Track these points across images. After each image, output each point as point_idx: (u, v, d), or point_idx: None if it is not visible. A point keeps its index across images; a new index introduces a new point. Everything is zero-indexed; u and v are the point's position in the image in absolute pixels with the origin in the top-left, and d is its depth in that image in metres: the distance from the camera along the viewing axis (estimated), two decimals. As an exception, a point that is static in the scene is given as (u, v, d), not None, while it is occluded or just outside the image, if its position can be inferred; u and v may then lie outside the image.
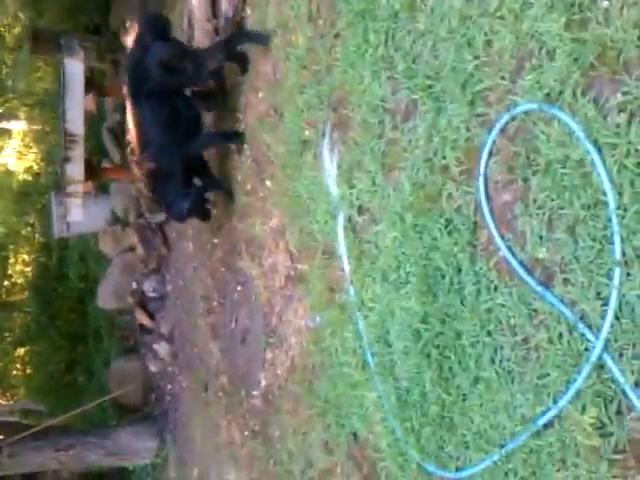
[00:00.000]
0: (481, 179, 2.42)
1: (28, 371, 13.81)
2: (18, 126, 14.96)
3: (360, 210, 3.19)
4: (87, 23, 9.74)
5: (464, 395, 2.52)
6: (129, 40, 4.67)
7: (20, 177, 15.36)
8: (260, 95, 4.41)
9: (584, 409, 2.04)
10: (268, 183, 4.31)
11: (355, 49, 3.14)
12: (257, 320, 4.55)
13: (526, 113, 2.24)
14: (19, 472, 7.93)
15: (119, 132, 8.48)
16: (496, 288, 2.37)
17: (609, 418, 1.97)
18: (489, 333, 2.39)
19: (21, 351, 13.92)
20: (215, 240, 5.57)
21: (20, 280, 14.87)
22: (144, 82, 4.46)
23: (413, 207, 2.76)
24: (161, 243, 7.55)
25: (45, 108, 12.89)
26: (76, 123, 6.00)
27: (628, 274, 1.92)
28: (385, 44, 2.94)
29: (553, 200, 2.13)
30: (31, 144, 15.19)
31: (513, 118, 2.28)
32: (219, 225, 5.40)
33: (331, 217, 3.43)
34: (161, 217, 7.47)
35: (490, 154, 2.39)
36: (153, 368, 7.88)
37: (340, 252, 3.35)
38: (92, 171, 6.64)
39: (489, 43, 2.38)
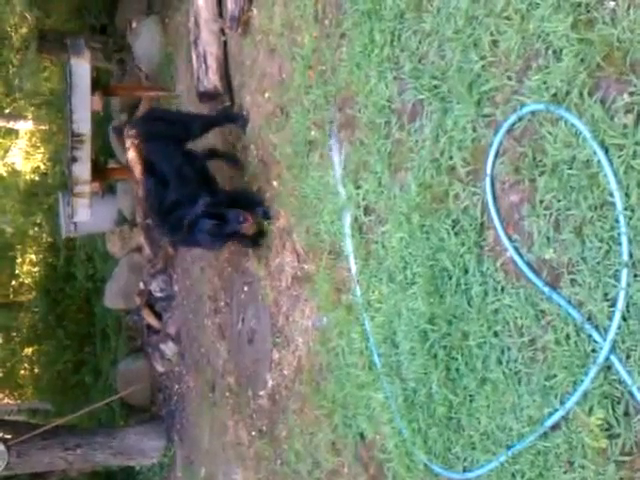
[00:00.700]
0: (488, 180, 2.41)
1: (36, 371, 13.86)
2: (25, 126, 15.01)
3: (366, 210, 3.19)
4: (93, 23, 9.78)
5: (471, 396, 2.52)
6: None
7: (27, 177, 15.42)
8: (266, 95, 4.41)
9: (591, 410, 2.03)
10: (275, 183, 4.31)
11: (361, 49, 3.13)
12: (264, 320, 4.56)
13: (533, 113, 2.23)
14: (27, 471, 7.96)
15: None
16: (503, 289, 2.36)
17: (616, 420, 1.97)
18: (496, 334, 2.39)
19: (29, 351, 13.97)
20: (222, 240, 5.57)
21: (28, 280, 14.93)
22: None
23: (420, 207, 2.76)
24: (168, 243, 7.55)
25: (52, 108, 12.93)
26: (83, 123, 6.01)
27: (635, 275, 1.91)
28: (391, 44, 2.93)
29: (560, 201, 2.13)
30: (38, 144, 15.25)
31: (520, 118, 2.28)
32: (226, 225, 5.40)
33: (338, 217, 3.43)
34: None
35: (497, 155, 2.38)
36: (160, 368, 7.89)
37: (347, 252, 3.35)
38: (99, 171, 6.65)
39: (495, 43, 2.37)
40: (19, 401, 14.28)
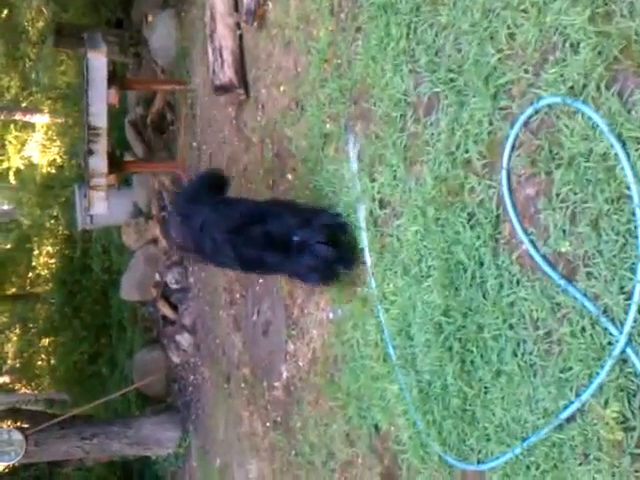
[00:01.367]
0: (504, 173, 2.41)
1: (52, 362, 14.01)
2: (42, 119, 15.13)
3: (382, 204, 3.20)
4: (109, 17, 9.84)
5: (486, 388, 2.53)
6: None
7: (44, 170, 15.56)
8: (282, 89, 4.42)
9: (607, 403, 2.04)
10: (290, 176, 4.32)
11: (377, 42, 3.14)
12: (279, 312, 4.59)
13: (549, 106, 2.23)
14: (44, 460, 8.09)
15: (142, 125, 8.55)
16: (518, 282, 2.37)
17: (632, 412, 1.97)
18: (511, 326, 2.39)
19: (45, 342, 14.14)
20: (237, 233, 5.59)
21: (44, 272, 15.09)
22: None
23: (435, 201, 2.77)
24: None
25: (68, 102, 13.03)
26: (99, 116, 6.05)
27: (652, 268, 1.91)
28: (407, 37, 2.93)
29: (576, 194, 2.13)
30: (54, 137, 15.37)
31: (536, 111, 2.28)
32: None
33: (353, 211, 3.45)
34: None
35: (513, 148, 2.38)
36: (176, 359, 7.96)
37: (362, 245, 3.37)
38: (115, 164, 6.70)
39: (512, 36, 2.37)
40: (36, 391, 14.46)
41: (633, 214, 1.95)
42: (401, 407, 3.05)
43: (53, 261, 14.52)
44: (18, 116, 14.83)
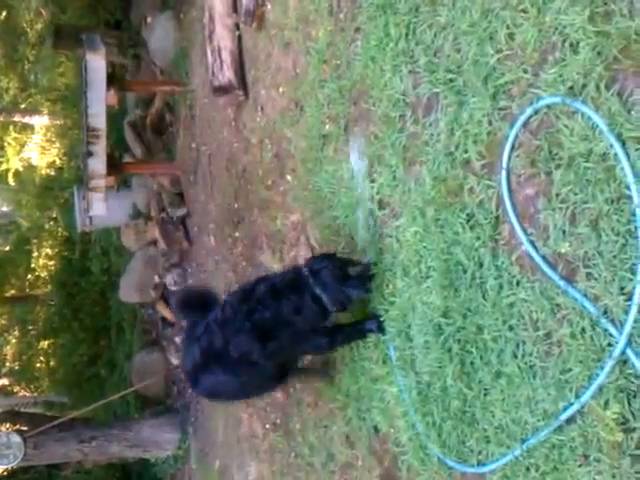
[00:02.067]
0: (503, 173, 2.40)
1: (51, 364, 13.98)
2: (40, 121, 15.12)
3: (381, 204, 3.19)
4: (108, 19, 9.83)
5: (486, 390, 2.52)
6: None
7: (43, 172, 15.53)
8: (281, 90, 4.42)
9: (607, 404, 2.03)
10: (289, 177, 4.32)
11: (376, 43, 3.13)
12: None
13: (549, 107, 2.22)
14: (43, 462, 8.06)
15: (141, 127, 8.55)
16: (518, 283, 2.36)
17: (632, 413, 1.96)
18: (511, 328, 2.38)
19: (44, 344, 14.10)
20: (236, 234, 5.60)
21: (43, 274, 15.05)
22: None
23: (434, 201, 2.76)
24: (182, 237, 7.60)
25: (67, 103, 13.01)
26: (98, 118, 6.05)
27: (652, 269, 1.90)
28: (406, 38, 2.93)
29: (576, 194, 2.12)
30: (53, 139, 15.35)
31: (536, 112, 2.27)
32: (240, 219, 5.42)
33: (352, 211, 3.44)
34: (182, 211, 7.53)
35: (512, 148, 2.38)
36: (175, 361, 7.94)
37: (361, 246, 3.36)
38: (114, 166, 6.70)
39: (511, 36, 2.36)
40: (35, 394, 14.41)
41: (633, 214, 1.94)
42: (401, 409, 3.04)
43: (52, 263, 14.49)
44: (17, 118, 14.81)
